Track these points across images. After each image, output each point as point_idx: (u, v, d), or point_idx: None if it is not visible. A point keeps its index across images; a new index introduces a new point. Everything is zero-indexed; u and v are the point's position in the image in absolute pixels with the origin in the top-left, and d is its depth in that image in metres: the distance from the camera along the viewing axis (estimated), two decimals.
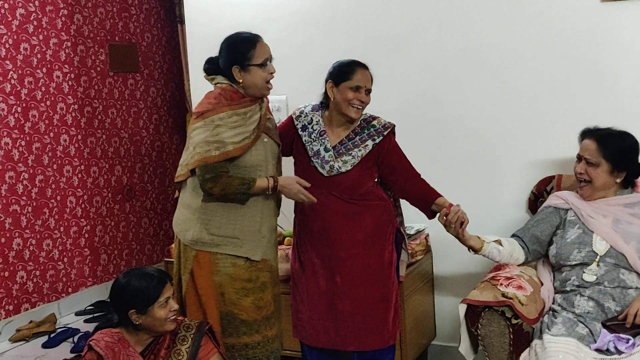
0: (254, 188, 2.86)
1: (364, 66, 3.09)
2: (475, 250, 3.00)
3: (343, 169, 3.07)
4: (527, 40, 3.52)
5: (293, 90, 3.84)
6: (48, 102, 4.93)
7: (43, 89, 4.89)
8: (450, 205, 2.98)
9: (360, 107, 3.06)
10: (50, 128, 4.96)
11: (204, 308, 2.96)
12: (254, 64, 2.89)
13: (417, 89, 3.76)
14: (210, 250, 2.93)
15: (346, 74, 3.05)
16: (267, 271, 3.02)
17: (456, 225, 2.90)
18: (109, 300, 5.18)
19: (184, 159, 2.95)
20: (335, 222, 3.10)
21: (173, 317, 2.66)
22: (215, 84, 2.99)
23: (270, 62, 2.95)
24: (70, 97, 5.10)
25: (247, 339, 2.96)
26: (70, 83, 5.10)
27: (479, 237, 3.00)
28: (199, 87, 4.34)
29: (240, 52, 2.90)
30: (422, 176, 3.14)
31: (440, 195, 3.07)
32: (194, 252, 2.95)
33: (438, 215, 3.03)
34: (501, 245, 3.02)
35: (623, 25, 3.34)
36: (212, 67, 3.02)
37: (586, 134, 3.00)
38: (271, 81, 2.97)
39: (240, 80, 2.91)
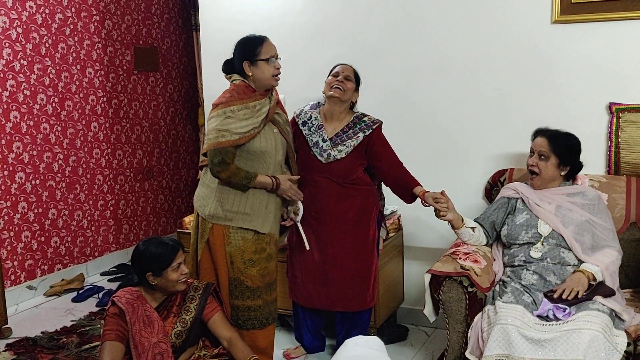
0: (254, 183, 2.83)
1: (345, 64, 3.17)
2: (454, 228, 2.99)
3: (338, 156, 3.06)
4: (487, 53, 3.51)
5: (290, 90, 3.81)
6: (81, 94, 4.87)
7: (77, 83, 4.83)
8: (424, 193, 2.98)
9: (339, 87, 3.06)
10: (83, 116, 4.90)
11: (216, 273, 2.94)
12: (261, 58, 2.84)
13: (394, 91, 3.74)
14: (223, 223, 2.88)
15: (332, 69, 3.16)
16: (273, 244, 2.98)
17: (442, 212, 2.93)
18: (129, 263, 5.19)
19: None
20: (330, 202, 3.09)
21: (184, 280, 2.65)
22: (232, 81, 2.94)
23: (277, 59, 2.89)
24: (100, 90, 5.04)
25: (250, 302, 2.92)
26: (100, 79, 5.04)
27: (462, 220, 2.98)
28: (211, 85, 4.32)
29: (249, 49, 2.86)
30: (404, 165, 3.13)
31: (418, 185, 3.05)
32: (210, 225, 2.90)
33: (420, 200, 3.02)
34: (474, 232, 3.01)
35: (569, 43, 3.33)
36: (229, 67, 2.96)
37: (539, 132, 3.00)
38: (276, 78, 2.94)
39: (250, 74, 2.86)
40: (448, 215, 2.92)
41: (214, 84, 4.28)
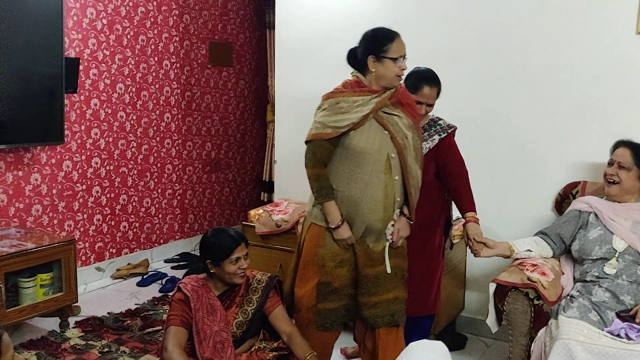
0: (323, 206, 2.69)
1: (431, 84, 2.98)
2: (505, 257, 2.93)
3: None
4: (568, 62, 3.41)
5: None
6: (157, 85, 5.01)
7: (154, 74, 4.97)
8: (468, 222, 2.93)
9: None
10: (157, 107, 5.03)
11: (305, 272, 2.80)
12: (388, 57, 2.62)
13: (468, 96, 3.68)
14: (319, 223, 2.74)
15: (417, 85, 2.99)
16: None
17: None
18: (192, 252, 5.29)
19: None
20: None
21: (240, 274, 2.64)
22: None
23: (404, 59, 2.66)
24: (175, 82, 5.17)
25: (334, 304, 2.75)
26: (175, 71, 5.16)
27: (509, 247, 2.91)
28: (282, 82, 4.36)
29: (378, 44, 2.64)
30: (469, 178, 3.02)
31: (471, 210, 2.96)
32: (309, 223, 2.79)
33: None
34: (530, 251, 2.94)
35: None
36: (352, 58, 2.76)
37: (621, 143, 2.92)
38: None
39: (373, 70, 2.65)
40: (482, 253, 2.89)
41: (285, 81, 4.33)
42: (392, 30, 2.69)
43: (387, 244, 2.74)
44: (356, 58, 2.73)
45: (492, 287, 2.80)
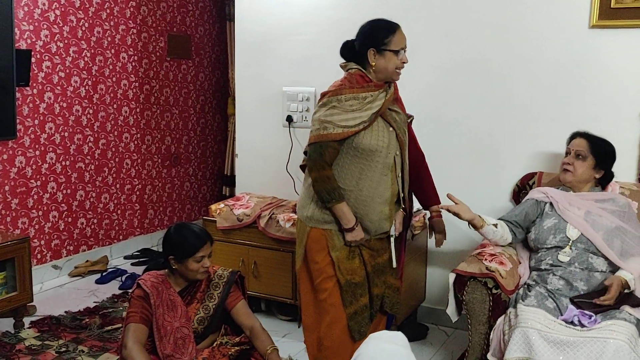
0: (334, 205, 2.58)
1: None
2: (476, 228, 2.97)
3: None
4: (523, 55, 3.49)
5: (322, 84, 3.81)
6: (114, 79, 4.94)
7: (111, 67, 4.90)
8: (431, 218, 3.03)
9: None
10: (114, 100, 4.97)
11: (315, 285, 2.71)
12: (390, 49, 2.57)
13: (426, 87, 3.73)
14: (323, 227, 2.65)
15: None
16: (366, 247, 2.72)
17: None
18: (153, 248, 5.24)
19: None
20: None
21: (203, 272, 2.64)
22: (347, 70, 2.68)
23: (405, 52, 2.61)
24: (132, 75, 5.10)
25: (364, 300, 2.70)
26: (133, 64, 5.10)
27: (480, 217, 2.96)
28: (242, 76, 4.34)
29: (379, 36, 2.58)
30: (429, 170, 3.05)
31: (435, 204, 2.99)
32: (308, 229, 2.68)
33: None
34: (496, 227, 2.99)
35: (606, 49, 3.30)
36: (346, 51, 2.70)
37: (577, 134, 3.02)
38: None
39: (373, 63, 2.58)
40: (473, 220, 2.94)
41: (246, 74, 4.31)
42: (393, 21, 2.64)
43: (392, 238, 2.76)
44: (352, 51, 2.66)
45: (452, 277, 2.86)
